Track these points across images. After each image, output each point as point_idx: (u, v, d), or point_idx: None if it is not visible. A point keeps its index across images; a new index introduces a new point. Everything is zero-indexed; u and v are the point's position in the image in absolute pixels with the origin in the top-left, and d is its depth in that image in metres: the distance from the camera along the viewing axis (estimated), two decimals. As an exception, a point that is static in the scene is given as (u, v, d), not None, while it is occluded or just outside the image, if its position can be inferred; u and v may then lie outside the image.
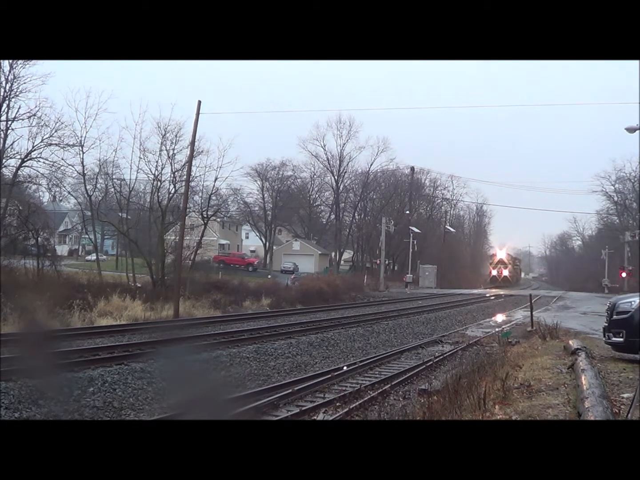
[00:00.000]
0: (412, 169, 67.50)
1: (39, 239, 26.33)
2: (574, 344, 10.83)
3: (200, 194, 37.46)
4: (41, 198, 40.63)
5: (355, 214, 67.36)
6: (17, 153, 30.43)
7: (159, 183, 33.02)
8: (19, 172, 30.36)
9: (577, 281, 65.88)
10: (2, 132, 30.14)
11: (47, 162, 30.80)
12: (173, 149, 32.61)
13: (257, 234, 67.28)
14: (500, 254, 73.10)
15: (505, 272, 71.27)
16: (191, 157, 27.09)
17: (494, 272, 71.94)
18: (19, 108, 30.10)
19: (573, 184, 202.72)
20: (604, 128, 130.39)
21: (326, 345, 15.44)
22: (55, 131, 30.86)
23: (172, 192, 33.57)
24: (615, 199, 63.97)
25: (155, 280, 29.13)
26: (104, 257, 49.62)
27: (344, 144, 65.37)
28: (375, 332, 18.72)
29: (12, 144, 30.47)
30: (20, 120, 30.12)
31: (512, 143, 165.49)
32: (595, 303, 30.89)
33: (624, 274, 51.21)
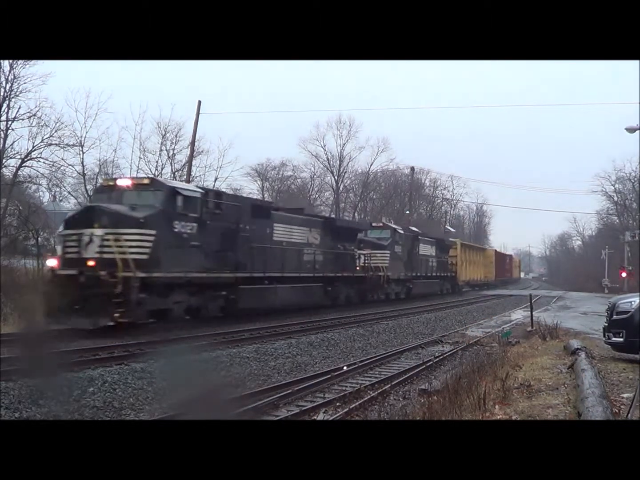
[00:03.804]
0: (412, 169, 67.24)
1: (39, 239, 26.32)
2: (574, 343, 10.84)
3: (200, 194, 37.41)
4: (41, 198, 40.55)
5: (355, 214, 67.32)
6: (17, 153, 30.39)
7: (159, 183, 33.01)
8: (19, 172, 30.34)
9: (577, 281, 65.68)
10: (2, 132, 30.10)
11: (47, 162, 30.73)
12: (173, 149, 32.69)
13: (257, 233, 67.16)
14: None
15: None
16: (191, 157, 27.19)
17: None
18: (19, 108, 30.04)
19: (573, 184, 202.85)
20: (604, 128, 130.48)
21: (326, 345, 15.41)
22: (55, 131, 30.79)
23: (172, 192, 33.55)
24: (615, 199, 63.89)
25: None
26: (104, 257, 49.41)
27: (344, 144, 65.17)
28: (375, 332, 18.67)
29: (12, 144, 30.43)
30: (20, 120, 30.07)
31: (512, 143, 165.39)
32: (595, 303, 30.85)
33: (624, 274, 51.14)
